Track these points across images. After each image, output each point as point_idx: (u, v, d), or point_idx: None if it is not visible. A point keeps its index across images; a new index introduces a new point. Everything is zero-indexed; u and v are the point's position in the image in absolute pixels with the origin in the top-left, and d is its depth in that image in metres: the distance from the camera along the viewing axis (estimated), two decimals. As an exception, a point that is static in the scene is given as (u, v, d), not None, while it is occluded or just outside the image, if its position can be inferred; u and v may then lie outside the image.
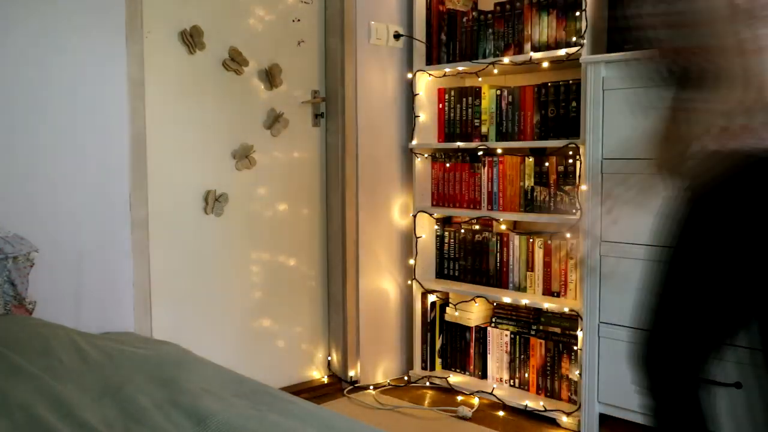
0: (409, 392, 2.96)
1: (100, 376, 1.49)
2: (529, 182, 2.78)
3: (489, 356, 2.93)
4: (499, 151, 2.89)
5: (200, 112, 2.58)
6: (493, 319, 2.93)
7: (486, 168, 2.88)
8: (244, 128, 2.71)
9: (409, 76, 3.06)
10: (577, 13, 2.57)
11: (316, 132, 2.96)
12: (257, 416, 1.24)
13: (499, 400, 2.76)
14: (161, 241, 2.49)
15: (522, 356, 2.81)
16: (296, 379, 2.95)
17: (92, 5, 2.21)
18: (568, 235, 2.69)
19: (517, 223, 3.02)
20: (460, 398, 2.87)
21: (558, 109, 2.68)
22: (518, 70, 2.95)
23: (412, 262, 3.06)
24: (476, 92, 2.91)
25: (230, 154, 2.68)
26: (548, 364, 2.73)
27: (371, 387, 2.99)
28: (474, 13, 2.91)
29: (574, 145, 2.60)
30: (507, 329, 2.87)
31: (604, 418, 2.50)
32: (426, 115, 3.04)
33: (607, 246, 2.39)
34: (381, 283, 3.06)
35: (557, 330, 2.72)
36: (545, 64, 2.72)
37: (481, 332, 2.96)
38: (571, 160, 2.65)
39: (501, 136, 2.85)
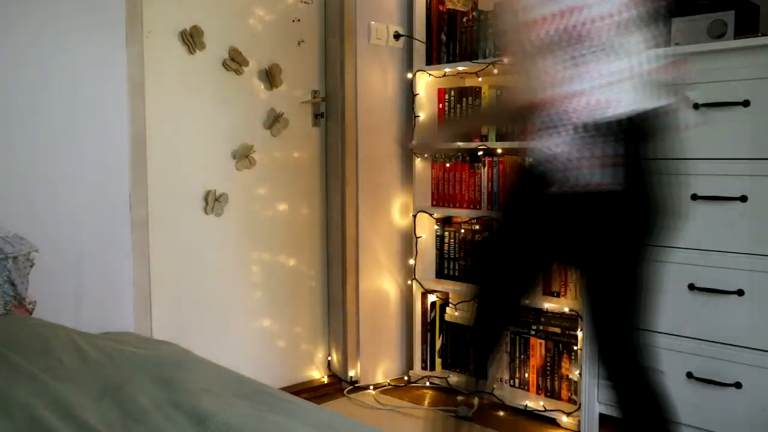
0: (409, 392, 2.96)
1: (100, 376, 1.49)
2: (529, 182, 2.77)
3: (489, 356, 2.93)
4: (499, 151, 2.89)
5: (200, 112, 2.58)
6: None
7: (486, 168, 2.88)
8: (244, 128, 2.71)
9: (409, 76, 3.06)
10: (577, 13, 2.56)
11: (316, 132, 2.96)
12: (257, 416, 1.24)
13: (499, 400, 2.76)
14: (161, 241, 2.49)
15: (522, 356, 2.81)
16: (296, 379, 2.95)
17: (92, 5, 2.20)
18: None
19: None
20: (459, 398, 2.87)
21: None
22: (518, 70, 2.95)
23: (412, 262, 3.06)
24: (476, 92, 2.91)
25: (230, 154, 2.68)
26: (548, 364, 2.73)
27: (371, 387, 2.99)
28: (474, 13, 2.91)
29: (574, 145, 2.60)
30: (507, 329, 2.87)
31: (604, 418, 2.50)
32: (426, 115, 3.04)
33: (607, 246, 2.39)
34: (381, 283, 3.06)
35: (557, 330, 2.72)
36: (545, 64, 2.72)
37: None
38: (571, 160, 2.64)
39: (501, 136, 2.85)
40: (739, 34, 2.18)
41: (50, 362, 1.55)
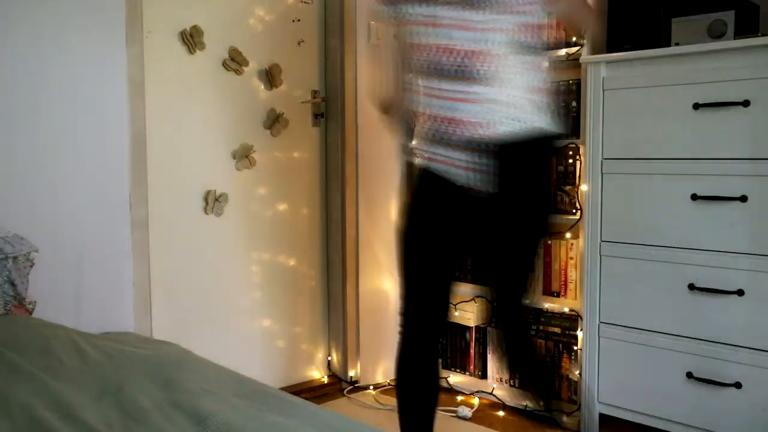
0: (409, 392, 2.96)
1: (100, 376, 1.49)
2: (529, 182, 2.77)
3: (489, 356, 2.93)
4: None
5: (200, 112, 2.58)
6: (493, 319, 2.93)
7: (486, 168, 2.88)
8: (244, 128, 2.71)
9: (409, 76, 3.05)
10: (577, 13, 2.56)
11: (316, 132, 2.96)
12: (257, 416, 1.24)
13: (499, 400, 2.76)
14: (161, 241, 2.49)
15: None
16: (296, 379, 2.95)
17: (92, 5, 2.20)
18: (568, 235, 2.69)
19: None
20: (460, 398, 2.87)
21: (558, 109, 2.67)
22: (518, 70, 2.95)
23: (412, 262, 3.06)
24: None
25: (230, 154, 2.68)
26: (548, 364, 2.73)
27: (371, 387, 2.99)
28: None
29: (574, 145, 2.60)
30: (507, 329, 2.86)
31: (604, 418, 2.50)
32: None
33: (607, 246, 2.39)
34: (381, 283, 3.06)
35: (557, 330, 2.72)
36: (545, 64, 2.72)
37: (481, 332, 2.95)
38: (571, 160, 2.65)
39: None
40: (739, 34, 2.18)
41: (50, 362, 1.55)
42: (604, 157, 2.39)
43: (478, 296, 2.87)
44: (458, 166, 1.76)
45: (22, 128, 2.09)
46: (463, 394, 2.89)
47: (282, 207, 2.86)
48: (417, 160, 1.87)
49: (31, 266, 1.97)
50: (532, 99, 1.72)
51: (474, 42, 1.65)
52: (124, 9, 2.27)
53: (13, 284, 1.92)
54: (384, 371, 3.08)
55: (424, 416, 1.92)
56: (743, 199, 2.10)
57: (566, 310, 2.61)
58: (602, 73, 2.38)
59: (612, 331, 2.40)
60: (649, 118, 2.28)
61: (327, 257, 3.03)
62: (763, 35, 2.13)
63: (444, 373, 3.04)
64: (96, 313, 2.25)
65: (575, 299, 2.65)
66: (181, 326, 2.56)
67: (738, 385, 2.13)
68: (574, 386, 2.65)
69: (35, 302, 2.00)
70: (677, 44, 2.28)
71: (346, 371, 2.98)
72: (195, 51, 2.55)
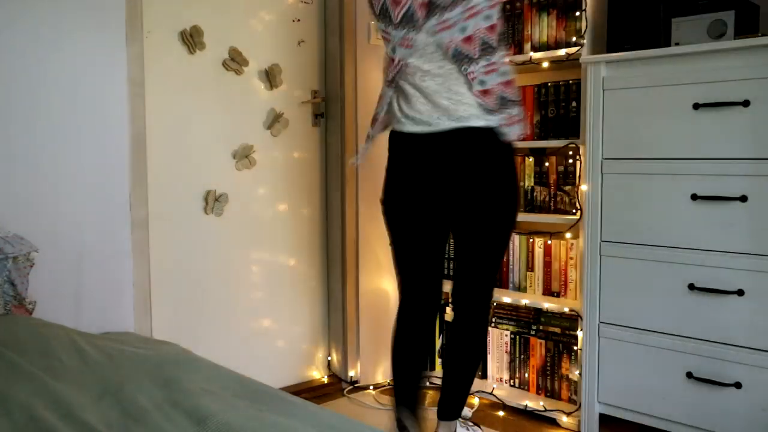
0: (409, 392, 2.96)
1: (100, 376, 1.49)
2: (529, 182, 2.78)
3: (489, 356, 2.93)
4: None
5: (200, 112, 2.58)
6: (493, 319, 2.93)
7: (486, 168, 2.88)
8: (244, 128, 2.71)
9: (409, 76, 3.05)
10: (577, 13, 2.57)
11: (316, 132, 2.96)
12: (257, 416, 1.24)
13: (499, 400, 2.76)
14: (161, 241, 2.49)
15: (522, 356, 2.82)
16: (296, 379, 2.95)
17: (92, 5, 2.20)
18: (568, 235, 2.69)
19: (517, 223, 3.02)
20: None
21: (558, 109, 2.68)
22: (518, 70, 2.95)
23: (412, 262, 3.06)
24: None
25: (230, 154, 2.68)
26: (548, 364, 2.73)
27: (371, 387, 2.99)
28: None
29: (574, 145, 2.60)
30: (507, 329, 2.87)
31: (604, 418, 2.50)
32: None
33: (607, 246, 2.39)
34: (381, 283, 3.06)
35: (557, 330, 2.72)
36: (545, 64, 2.72)
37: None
38: (571, 160, 2.65)
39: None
40: (739, 34, 2.18)
41: (50, 362, 1.55)
42: (604, 157, 2.39)
43: (478, 296, 2.87)
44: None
45: (22, 128, 2.09)
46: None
47: (282, 207, 2.86)
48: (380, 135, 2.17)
49: (31, 266, 1.97)
50: (472, 100, 1.92)
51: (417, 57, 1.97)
52: (124, 9, 2.27)
53: (13, 284, 1.92)
54: (384, 371, 3.08)
55: (413, 379, 2.20)
56: (743, 199, 2.10)
57: (566, 310, 2.61)
58: (602, 73, 2.38)
59: (612, 331, 2.40)
60: (649, 118, 2.28)
61: (327, 257, 3.03)
62: (763, 35, 2.13)
63: (444, 373, 3.04)
64: (96, 313, 2.25)
65: (575, 299, 2.65)
66: (181, 326, 2.56)
67: (738, 385, 2.13)
68: (574, 386, 2.65)
69: (35, 302, 2.00)
70: (677, 44, 2.28)
71: (346, 371, 2.98)
72: (195, 51, 2.55)
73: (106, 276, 2.27)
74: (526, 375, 2.80)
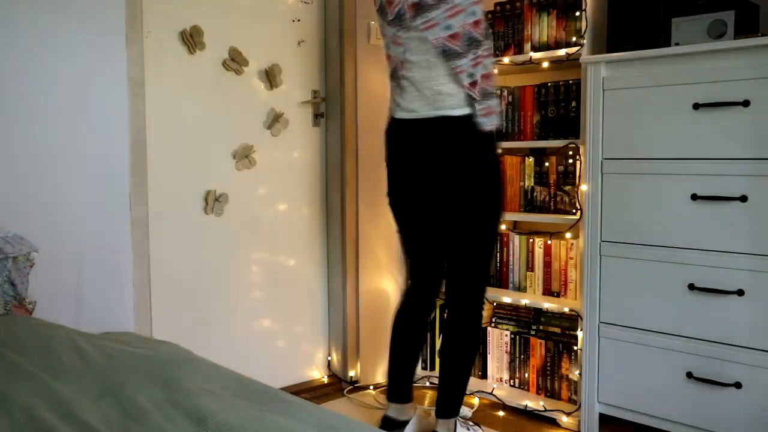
0: (409, 392, 2.96)
1: (100, 376, 1.49)
2: (529, 182, 2.78)
3: (489, 356, 2.93)
4: (499, 151, 2.89)
5: (200, 112, 2.58)
6: (493, 319, 2.93)
7: (486, 168, 2.88)
8: (244, 128, 2.71)
9: (409, 76, 3.05)
10: (577, 13, 2.57)
11: (316, 132, 2.96)
12: (257, 416, 1.24)
13: (499, 400, 2.76)
14: (161, 240, 2.49)
15: (522, 356, 2.82)
16: (296, 379, 2.95)
17: (92, 5, 2.20)
18: (568, 235, 2.69)
19: (517, 223, 3.02)
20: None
21: (558, 109, 2.68)
22: (518, 70, 2.95)
23: (412, 262, 3.06)
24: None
25: (230, 154, 2.68)
26: (548, 364, 2.73)
27: (371, 387, 2.99)
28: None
29: (574, 145, 2.60)
30: (507, 329, 2.87)
31: (604, 418, 2.50)
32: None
33: (607, 246, 2.39)
34: (381, 283, 3.06)
35: (557, 330, 2.72)
36: (545, 64, 2.72)
37: (481, 332, 2.95)
38: (571, 160, 2.65)
39: (501, 136, 2.85)
40: (739, 34, 2.18)
41: (50, 362, 1.55)
42: (604, 157, 2.39)
43: (478, 296, 2.87)
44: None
45: (22, 128, 2.09)
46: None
47: (282, 207, 2.86)
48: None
49: (31, 266, 1.97)
50: (455, 91, 2.07)
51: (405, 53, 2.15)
52: (124, 9, 2.27)
53: (13, 284, 1.92)
54: (384, 371, 3.08)
55: (407, 362, 2.36)
56: (743, 199, 2.10)
57: (566, 310, 2.61)
58: (602, 73, 2.38)
59: (612, 331, 2.40)
60: (649, 118, 2.28)
61: (327, 257, 3.03)
62: (763, 35, 2.13)
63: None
64: (96, 313, 2.25)
65: (575, 299, 2.65)
66: (181, 326, 2.56)
67: (738, 385, 2.13)
68: (574, 386, 2.65)
69: (35, 302, 2.00)
70: (677, 44, 2.28)
71: (346, 371, 2.98)
72: (195, 51, 2.55)
73: (106, 276, 2.27)
74: (526, 375, 2.80)
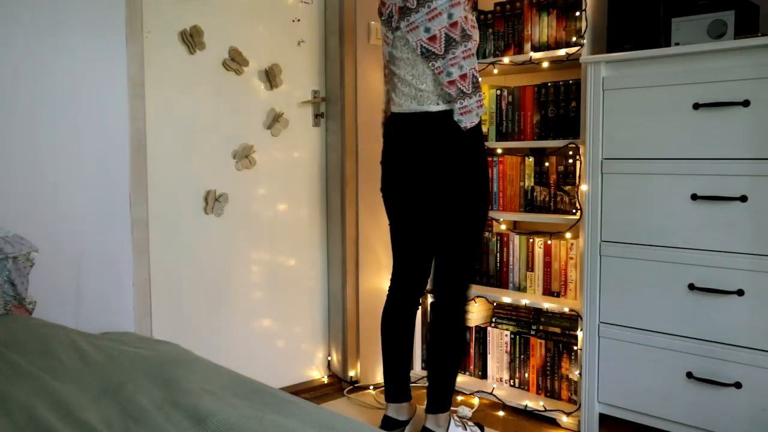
0: (409, 392, 2.96)
1: (100, 376, 1.49)
2: (529, 182, 2.78)
3: (489, 356, 2.93)
4: (499, 151, 2.89)
5: (200, 112, 2.58)
6: (493, 319, 2.93)
7: (486, 168, 2.88)
8: (244, 128, 2.71)
9: (409, 76, 3.05)
10: (577, 13, 2.57)
11: (316, 132, 2.96)
12: (257, 416, 1.24)
13: (499, 400, 2.76)
14: (161, 241, 2.49)
15: (522, 356, 2.82)
16: (296, 379, 2.95)
17: (92, 5, 2.20)
18: (568, 235, 2.69)
19: (517, 223, 3.02)
20: (460, 398, 2.87)
21: (558, 109, 2.68)
22: (518, 70, 2.95)
23: (412, 262, 3.06)
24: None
25: (230, 154, 2.68)
26: (548, 364, 2.73)
27: (371, 387, 2.99)
28: (474, 13, 2.91)
29: (574, 145, 2.60)
30: (507, 329, 2.87)
31: (604, 418, 2.50)
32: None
33: (607, 246, 2.39)
34: (381, 283, 3.06)
35: (557, 330, 2.72)
36: (545, 64, 2.72)
37: (481, 332, 2.96)
38: (571, 160, 2.65)
39: (501, 136, 2.85)
40: (739, 34, 2.18)
41: (50, 362, 1.55)
42: (604, 157, 2.39)
43: (478, 296, 2.87)
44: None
45: (22, 128, 2.09)
46: (463, 394, 2.89)
47: (282, 207, 2.86)
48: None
49: (31, 266, 1.97)
50: (433, 89, 2.18)
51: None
52: (124, 9, 2.27)
53: (13, 284, 1.92)
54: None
55: (399, 360, 2.40)
56: (743, 199, 2.10)
57: (566, 310, 2.61)
58: (602, 73, 2.38)
59: (612, 331, 2.40)
60: (649, 118, 2.28)
61: (327, 257, 3.03)
62: (763, 35, 2.13)
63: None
64: (96, 313, 2.25)
65: (575, 299, 2.65)
66: (181, 326, 2.56)
67: (738, 385, 2.13)
68: (574, 386, 2.65)
69: (35, 302, 2.00)
70: (677, 44, 2.28)
71: (346, 371, 2.98)
72: (195, 51, 2.55)
73: (106, 276, 2.27)
74: (526, 375, 2.80)
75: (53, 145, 2.15)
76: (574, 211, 2.65)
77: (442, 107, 2.17)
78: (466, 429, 2.34)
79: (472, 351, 2.99)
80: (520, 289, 2.82)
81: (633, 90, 2.31)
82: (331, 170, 2.97)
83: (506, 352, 2.87)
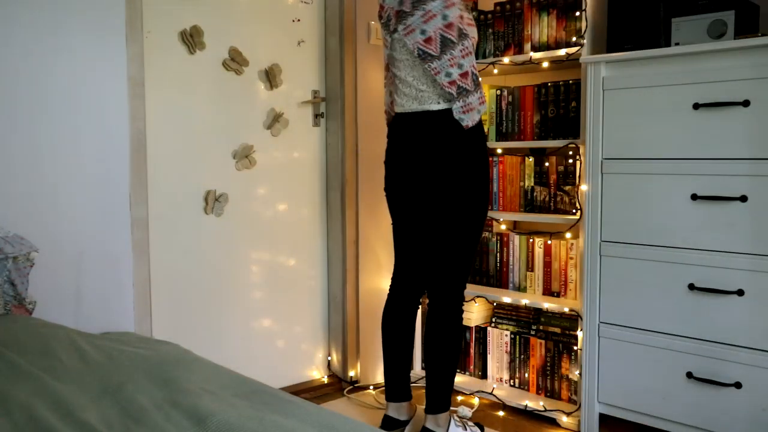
0: (409, 392, 2.96)
1: (100, 376, 1.49)
2: (529, 182, 2.78)
3: (489, 356, 2.93)
4: (499, 151, 2.89)
5: (200, 112, 2.58)
6: (493, 319, 2.93)
7: (486, 168, 2.88)
8: (244, 128, 2.71)
9: (409, 76, 3.05)
10: (577, 13, 2.57)
11: (316, 132, 2.96)
12: (257, 416, 1.24)
13: (499, 400, 2.76)
14: (161, 241, 2.49)
15: (522, 356, 2.82)
16: (296, 379, 2.95)
17: (92, 5, 2.20)
18: (568, 235, 2.69)
19: (517, 223, 3.02)
20: (460, 398, 2.87)
21: (558, 109, 2.68)
22: (518, 70, 2.95)
23: (412, 262, 3.06)
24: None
25: (230, 154, 2.68)
26: (548, 364, 2.73)
27: (371, 387, 2.99)
28: (474, 13, 2.91)
29: (574, 145, 2.60)
30: (507, 329, 2.87)
31: (604, 418, 2.50)
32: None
33: (607, 246, 2.39)
34: (381, 283, 3.06)
35: (557, 330, 2.72)
36: (545, 64, 2.72)
37: (481, 332, 2.96)
38: (571, 160, 2.65)
39: (501, 136, 2.85)
40: (739, 34, 2.18)
41: (50, 362, 1.55)
42: (604, 157, 2.39)
43: (478, 296, 2.87)
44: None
45: (23, 128, 2.09)
46: (463, 394, 2.89)
47: (282, 207, 2.86)
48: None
49: (31, 266, 1.97)
50: (432, 88, 2.20)
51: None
52: (124, 9, 2.27)
53: (13, 284, 1.92)
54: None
55: (400, 360, 2.41)
56: (743, 199, 2.10)
57: (566, 310, 2.61)
58: (602, 73, 2.38)
59: (612, 331, 2.40)
60: (649, 118, 2.28)
61: (327, 257, 3.03)
62: (763, 35, 2.13)
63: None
64: (96, 313, 2.25)
65: (575, 299, 2.65)
66: (181, 326, 2.56)
67: (738, 385, 2.13)
68: (574, 386, 2.65)
69: (35, 302, 2.00)
70: (677, 44, 2.28)
71: (346, 371, 2.98)
72: (195, 51, 2.55)
73: (106, 276, 2.28)
74: (526, 375, 2.80)
75: (53, 145, 2.15)
76: (574, 211, 2.64)
77: (443, 106, 2.19)
78: (466, 429, 2.34)
79: (472, 351, 2.99)
80: (520, 289, 2.82)
81: (633, 90, 2.31)
82: (331, 170, 2.97)
83: (506, 352, 2.87)
